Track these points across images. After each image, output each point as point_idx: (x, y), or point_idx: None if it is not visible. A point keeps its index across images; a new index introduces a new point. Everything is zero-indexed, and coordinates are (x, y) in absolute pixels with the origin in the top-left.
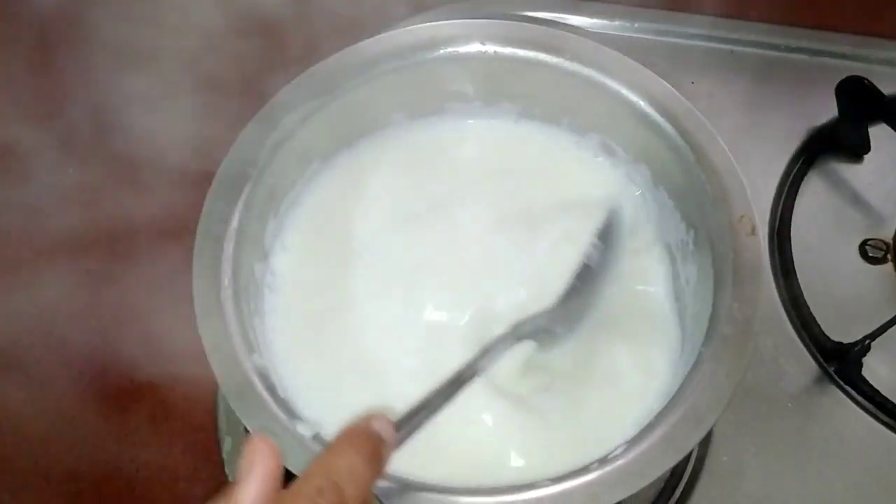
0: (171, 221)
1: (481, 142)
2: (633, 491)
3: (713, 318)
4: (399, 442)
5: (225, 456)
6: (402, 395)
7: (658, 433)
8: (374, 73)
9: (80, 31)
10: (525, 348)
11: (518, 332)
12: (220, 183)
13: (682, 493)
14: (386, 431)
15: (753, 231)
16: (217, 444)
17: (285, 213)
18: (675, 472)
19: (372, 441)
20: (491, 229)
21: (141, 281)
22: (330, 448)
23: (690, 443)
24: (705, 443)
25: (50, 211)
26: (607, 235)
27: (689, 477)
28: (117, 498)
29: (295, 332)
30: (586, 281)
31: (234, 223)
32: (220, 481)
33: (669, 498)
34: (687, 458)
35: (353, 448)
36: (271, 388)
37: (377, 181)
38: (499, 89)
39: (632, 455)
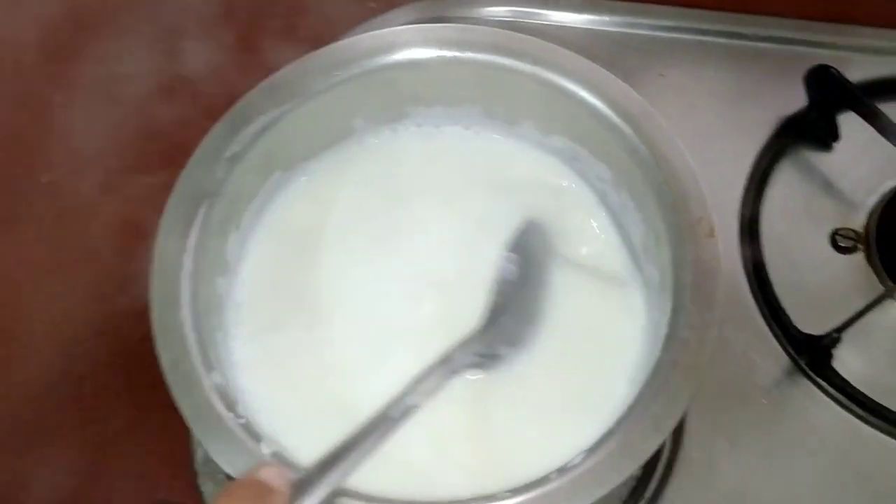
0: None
1: (445, 149)
2: (593, 500)
3: (672, 322)
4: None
5: (198, 467)
6: (367, 410)
7: (616, 440)
8: (334, 81)
9: None
10: (473, 377)
11: (453, 365)
12: (179, 197)
13: (655, 490)
14: (276, 480)
15: (711, 233)
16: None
17: (248, 226)
18: (647, 470)
19: (258, 491)
20: (459, 242)
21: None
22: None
23: (649, 449)
24: (677, 439)
25: None
26: (522, 247)
27: (662, 474)
28: None
29: (257, 347)
30: (511, 296)
31: (193, 238)
32: (196, 491)
33: (642, 495)
34: (658, 456)
35: (235, 500)
36: (231, 407)
37: (340, 191)
38: (459, 94)
39: (590, 463)
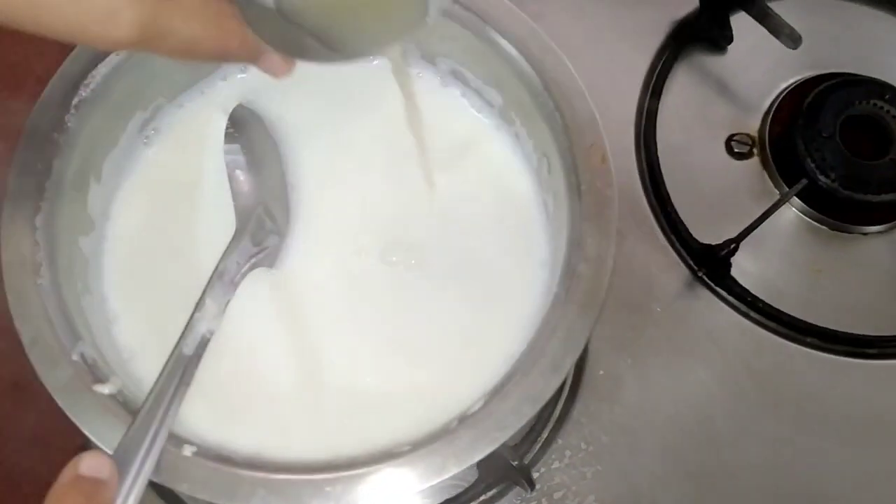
0: None
1: (323, 80)
2: (496, 446)
3: (568, 255)
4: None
5: None
6: None
7: (515, 383)
8: None
9: None
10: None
11: (229, 276)
12: (24, 153)
13: (561, 410)
14: (99, 469)
15: (604, 160)
16: None
17: (111, 178)
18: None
19: (85, 489)
20: (346, 180)
21: None
22: None
23: (549, 390)
24: (581, 359)
25: None
26: (239, 137)
27: (568, 394)
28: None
29: (134, 305)
30: (250, 188)
31: (46, 196)
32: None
33: (549, 417)
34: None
35: None
36: (102, 379)
37: (210, 132)
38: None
39: (490, 408)
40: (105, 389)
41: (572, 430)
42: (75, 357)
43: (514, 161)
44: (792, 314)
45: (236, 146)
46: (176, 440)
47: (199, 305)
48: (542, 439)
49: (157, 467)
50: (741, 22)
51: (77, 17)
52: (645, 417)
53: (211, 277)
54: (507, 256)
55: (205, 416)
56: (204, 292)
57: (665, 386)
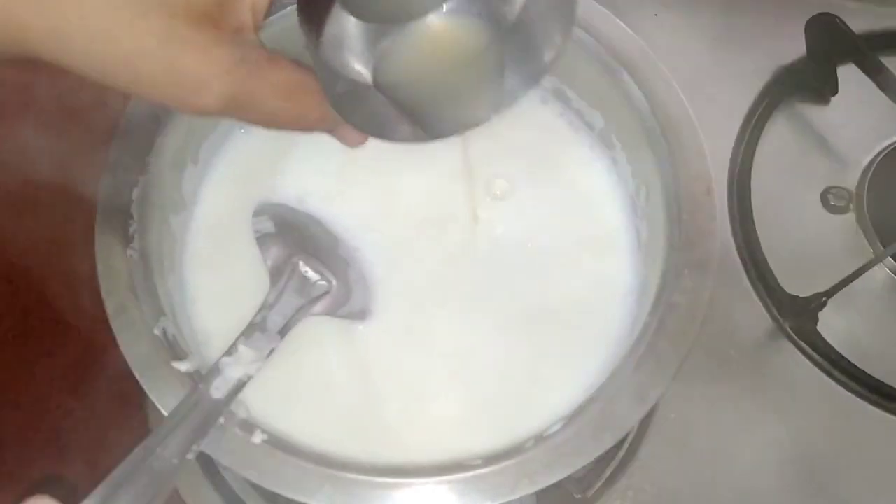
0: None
1: None
2: (571, 471)
3: (662, 285)
4: None
5: (149, 410)
6: None
7: (597, 409)
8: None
9: None
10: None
11: (265, 326)
12: (127, 128)
13: (627, 450)
14: None
15: (709, 191)
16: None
17: (207, 160)
18: None
19: None
20: (435, 184)
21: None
22: None
23: (631, 420)
24: None
25: None
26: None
27: (636, 435)
28: (43, 444)
29: (213, 288)
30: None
31: (144, 173)
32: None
33: (614, 456)
34: None
35: None
36: (180, 356)
37: None
38: None
39: (570, 432)
40: (183, 367)
41: (637, 471)
42: (157, 332)
43: (608, 185)
44: (878, 377)
45: (263, 217)
46: (247, 425)
47: (230, 350)
48: (606, 476)
49: (226, 450)
50: (847, 74)
51: (170, 87)
52: (713, 466)
53: (248, 326)
54: (591, 280)
55: (278, 409)
56: (237, 339)
57: (737, 437)
